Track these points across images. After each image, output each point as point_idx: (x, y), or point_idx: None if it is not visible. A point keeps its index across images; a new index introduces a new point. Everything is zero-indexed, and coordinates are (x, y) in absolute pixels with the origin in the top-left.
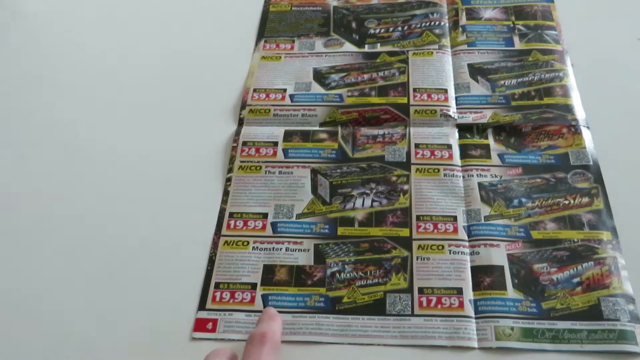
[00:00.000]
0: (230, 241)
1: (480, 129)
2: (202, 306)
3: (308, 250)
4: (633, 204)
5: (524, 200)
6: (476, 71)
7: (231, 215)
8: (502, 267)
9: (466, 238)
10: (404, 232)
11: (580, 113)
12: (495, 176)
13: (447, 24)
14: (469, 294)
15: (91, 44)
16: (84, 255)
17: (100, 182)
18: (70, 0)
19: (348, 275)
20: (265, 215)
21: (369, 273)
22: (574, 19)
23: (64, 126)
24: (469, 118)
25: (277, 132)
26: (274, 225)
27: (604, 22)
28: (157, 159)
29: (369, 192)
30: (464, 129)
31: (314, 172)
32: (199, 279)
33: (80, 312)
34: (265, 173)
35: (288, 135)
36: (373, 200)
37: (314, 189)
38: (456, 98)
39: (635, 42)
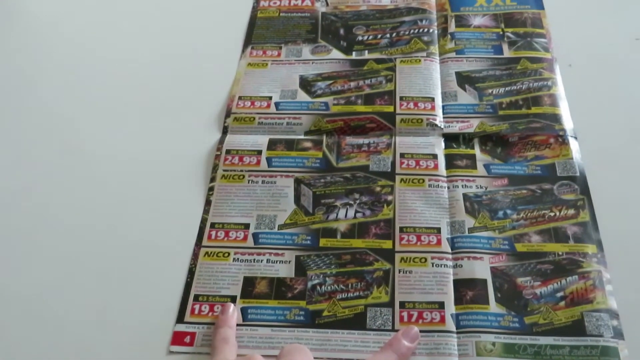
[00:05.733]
0: (211, 252)
1: (466, 139)
2: (180, 319)
3: (289, 262)
4: (619, 216)
5: (509, 211)
6: (464, 79)
7: (212, 225)
8: (485, 281)
9: (449, 250)
10: (387, 244)
11: (568, 123)
12: (481, 187)
13: (435, 31)
14: (450, 308)
15: (75, 48)
16: (60, 265)
17: (78, 192)
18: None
19: (329, 288)
20: (247, 226)
21: (350, 286)
22: (564, 28)
23: (41, 132)
24: (456, 127)
25: (261, 141)
26: (255, 236)
27: (594, 32)
28: (139, 167)
29: (352, 202)
30: (450, 139)
31: (298, 182)
32: (178, 291)
33: (56, 323)
34: (248, 182)
35: (272, 144)
36: (356, 211)
37: (297, 199)
38: (443, 107)
39: (625, 52)
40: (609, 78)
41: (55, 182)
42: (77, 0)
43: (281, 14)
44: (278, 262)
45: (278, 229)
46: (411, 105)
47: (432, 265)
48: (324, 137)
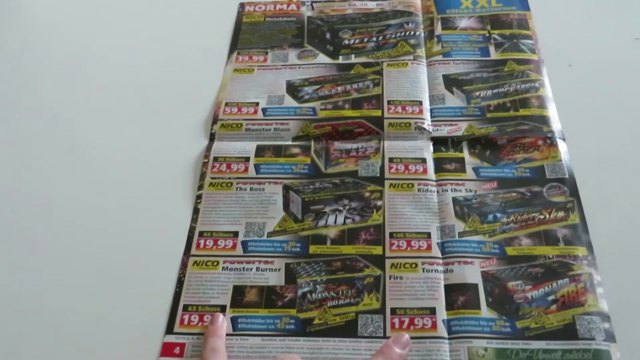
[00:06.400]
0: (200, 261)
1: (455, 142)
2: (169, 329)
3: (279, 269)
4: (609, 217)
5: (498, 215)
6: (451, 82)
7: (201, 234)
8: (476, 285)
9: (440, 255)
10: (377, 250)
11: (556, 125)
12: (470, 191)
13: (422, 34)
14: (442, 314)
15: (70, 50)
16: (46, 277)
17: (65, 203)
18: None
19: (319, 295)
20: (235, 234)
21: (340, 293)
22: (550, 28)
23: (35, 132)
24: (444, 131)
25: (248, 147)
26: (244, 244)
27: (581, 33)
28: (126, 176)
29: (341, 208)
30: (439, 142)
31: (286, 189)
32: (167, 301)
33: (42, 335)
34: (237, 190)
35: (260, 151)
36: (346, 217)
37: (286, 206)
38: (431, 110)
39: (618, 53)
40: (600, 79)
41: (43, 189)
42: (77, 1)
43: (267, 19)
44: (268, 270)
45: (267, 237)
46: (399, 109)
47: (423, 271)
48: (312, 143)
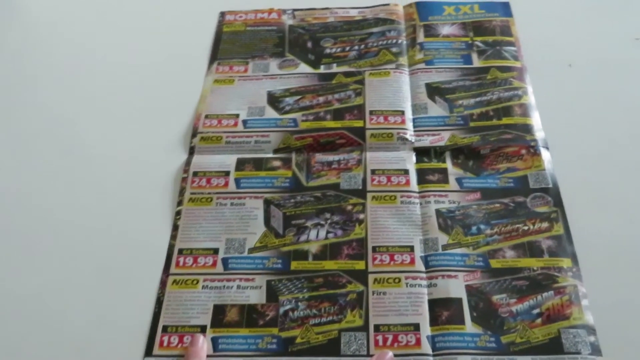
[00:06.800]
0: (179, 280)
1: (437, 152)
2: (148, 352)
3: (260, 287)
4: (594, 227)
5: (482, 226)
6: (434, 91)
7: (180, 251)
8: (460, 300)
9: (423, 269)
10: (360, 265)
11: (539, 133)
12: (453, 202)
13: (404, 42)
14: (426, 330)
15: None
16: (23, 292)
17: (39, 216)
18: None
19: (302, 313)
20: (216, 251)
21: (323, 310)
22: (550, 29)
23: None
24: (427, 141)
25: (229, 161)
26: (224, 261)
27: (566, 40)
28: (104, 191)
29: (323, 222)
30: (421, 153)
31: (267, 203)
32: (146, 321)
33: (18, 354)
34: (217, 205)
35: (240, 164)
36: (328, 232)
37: (267, 221)
38: (413, 120)
39: (611, 53)
40: (601, 80)
41: (43, 189)
42: (77, 1)
43: (247, 28)
44: (249, 288)
45: (248, 253)
46: (381, 119)
47: (407, 286)
48: (293, 155)
